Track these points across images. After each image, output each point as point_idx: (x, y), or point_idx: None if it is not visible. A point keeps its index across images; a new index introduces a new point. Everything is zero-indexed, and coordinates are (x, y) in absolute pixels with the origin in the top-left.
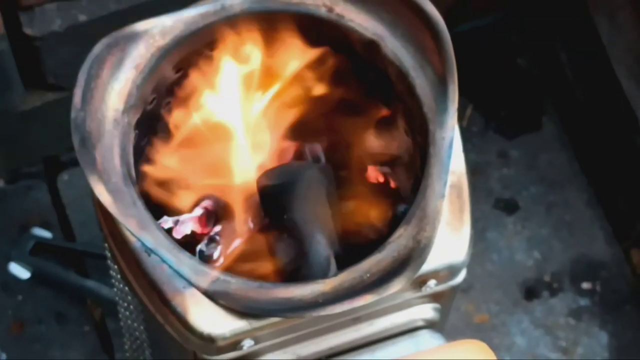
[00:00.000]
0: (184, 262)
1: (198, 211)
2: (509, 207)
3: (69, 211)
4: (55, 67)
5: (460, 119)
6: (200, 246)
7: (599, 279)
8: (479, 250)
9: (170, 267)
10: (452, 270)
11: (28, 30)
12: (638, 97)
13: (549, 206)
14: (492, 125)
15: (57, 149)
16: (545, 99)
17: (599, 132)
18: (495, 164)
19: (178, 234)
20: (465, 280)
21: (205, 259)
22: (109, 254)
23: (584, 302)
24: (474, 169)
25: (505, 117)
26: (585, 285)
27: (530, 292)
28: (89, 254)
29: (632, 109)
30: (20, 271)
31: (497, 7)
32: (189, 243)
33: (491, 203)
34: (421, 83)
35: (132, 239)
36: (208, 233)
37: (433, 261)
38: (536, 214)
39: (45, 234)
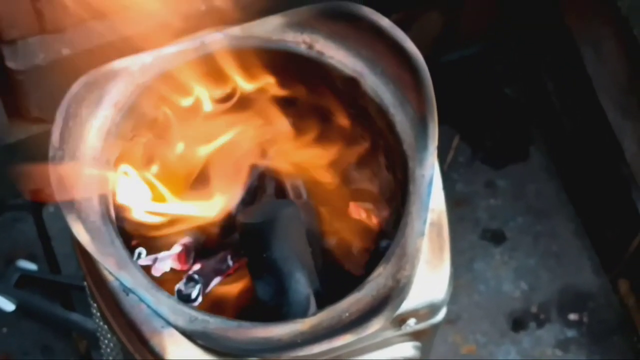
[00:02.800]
0: (162, 302)
1: (177, 248)
2: (496, 237)
3: (55, 243)
4: (39, 100)
5: (447, 149)
6: (179, 285)
7: (586, 309)
8: (466, 280)
9: (149, 306)
10: (432, 309)
11: (11, 64)
12: (623, 127)
13: (536, 236)
14: (479, 155)
15: (43, 181)
16: (532, 129)
17: (586, 162)
18: (482, 194)
19: (157, 271)
20: (452, 311)
21: (184, 298)
22: (88, 292)
23: (571, 333)
24: (461, 199)
25: (493, 147)
26: (573, 316)
27: (518, 323)
28: (74, 287)
29: (618, 139)
30: (5, 304)
31: (484, 36)
32: (168, 280)
33: (478, 233)
34: (401, 120)
35: (110, 278)
36: (187, 270)
37: (413, 300)
38: (523, 244)
39: (31, 266)
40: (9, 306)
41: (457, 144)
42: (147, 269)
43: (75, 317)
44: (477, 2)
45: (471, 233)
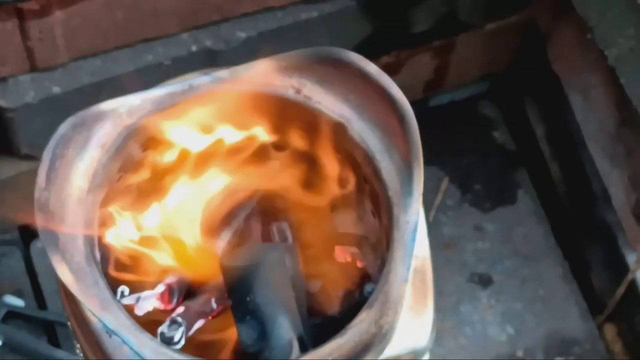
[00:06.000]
0: (145, 344)
1: (160, 288)
2: (483, 280)
3: (42, 279)
4: (29, 138)
5: (435, 192)
6: (162, 328)
7: (572, 354)
8: (452, 323)
9: (131, 348)
10: (414, 356)
11: (1, 102)
12: (610, 174)
13: (524, 280)
14: (467, 198)
15: (32, 217)
16: (521, 173)
17: (574, 207)
18: (470, 237)
19: (140, 310)
20: (438, 354)
21: (167, 340)
22: (72, 332)
23: None
24: (448, 242)
25: (481, 191)
26: None
27: None
28: (60, 323)
29: (605, 186)
30: None
31: (474, 81)
32: (153, 321)
33: (465, 276)
34: (387, 166)
35: (93, 319)
36: (171, 310)
37: (395, 346)
38: (510, 288)
39: (18, 302)
40: None
41: (445, 187)
42: (129, 308)
43: (61, 354)
44: (468, 47)
45: (458, 276)
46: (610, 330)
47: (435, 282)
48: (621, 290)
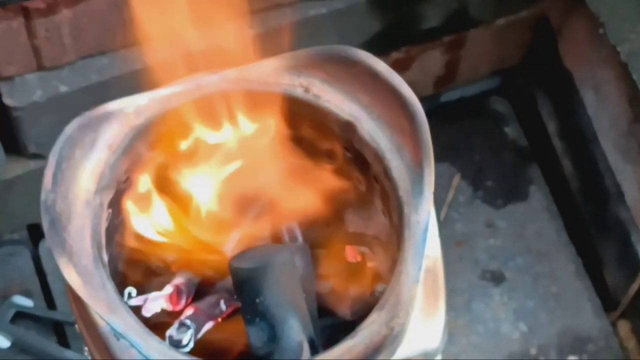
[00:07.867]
0: (154, 347)
1: (168, 289)
2: (496, 278)
3: (51, 279)
4: (37, 137)
5: (447, 188)
6: (170, 331)
7: (586, 352)
8: (464, 321)
9: (140, 352)
10: (426, 357)
11: (8, 101)
12: (623, 170)
13: (536, 277)
14: (479, 194)
15: (40, 216)
16: (533, 169)
17: (587, 203)
18: (482, 234)
19: (147, 311)
20: (450, 352)
21: (175, 343)
22: (80, 335)
23: None
24: (460, 239)
25: (493, 187)
26: (572, 358)
27: None
28: (70, 323)
29: (618, 182)
30: (0, 340)
31: (485, 76)
32: (161, 323)
33: (478, 274)
34: (397, 165)
35: (101, 323)
36: (179, 311)
37: (406, 348)
38: (523, 285)
39: (27, 302)
40: (4, 343)
41: (457, 184)
42: (137, 310)
43: (70, 354)
44: (478, 42)
45: (470, 273)
46: (624, 327)
47: (447, 279)
48: (635, 286)
